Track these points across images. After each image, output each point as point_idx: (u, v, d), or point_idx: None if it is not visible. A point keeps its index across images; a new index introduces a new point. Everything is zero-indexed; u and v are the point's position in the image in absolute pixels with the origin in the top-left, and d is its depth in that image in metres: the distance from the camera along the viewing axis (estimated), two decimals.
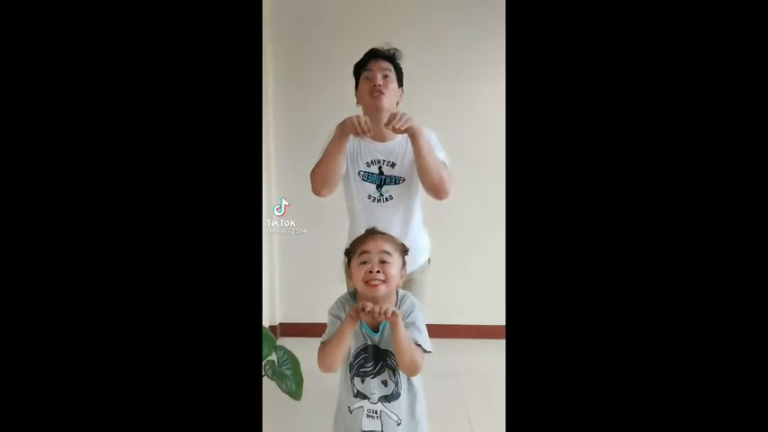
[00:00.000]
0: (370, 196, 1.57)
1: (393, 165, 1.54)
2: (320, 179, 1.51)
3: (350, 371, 1.23)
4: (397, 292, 1.25)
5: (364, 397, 1.22)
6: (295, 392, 1.90)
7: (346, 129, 1.43)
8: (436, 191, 1.49)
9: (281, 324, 3.06)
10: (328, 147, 1.48)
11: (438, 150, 1.54)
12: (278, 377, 1.89)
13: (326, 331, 1.23)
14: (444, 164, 1.53)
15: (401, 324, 1.15)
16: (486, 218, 2.80)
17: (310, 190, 1.55)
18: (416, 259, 1.65)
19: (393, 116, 1.39)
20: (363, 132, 1.40)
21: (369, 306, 1.11)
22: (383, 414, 1.21)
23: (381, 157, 1.55)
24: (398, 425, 1.21)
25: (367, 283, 1.17)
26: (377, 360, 1.21)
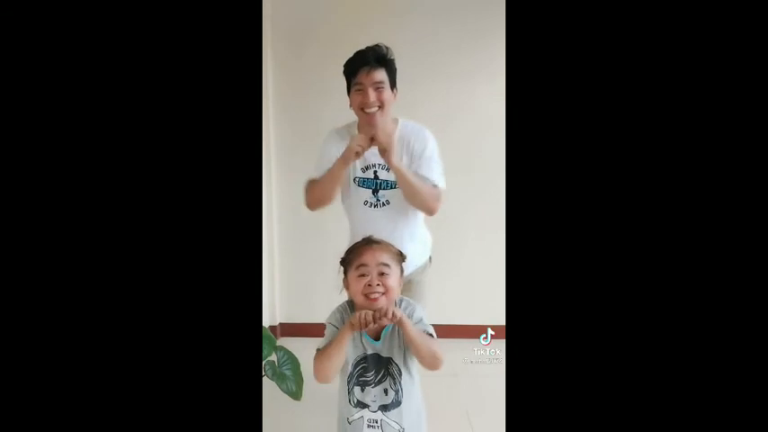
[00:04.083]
0: (366, 202, 1.56)
1: (388, 169, 1.52)
2: (317, 198, 1.55)
3: (348, 382, 1.21)
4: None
5: (364, 406, 1.21)
6: (295, 393, 1.90)
7: (350, 159, 1.45)
8: (424, 211, 1.56)
9: (281, 324, 3.06)
10: (333, 170, 1.48)
11: (431, 161, 1.53)
12: (278, 377, 1.89)
13: (323, 340, 1.22)
14: (430, 183, 1.51)
15: (408, 322, 1.14)
16: (485, 218, 2.80)
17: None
18: (417, 260, 1.65)
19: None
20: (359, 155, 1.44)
21: (371, 318, 1.10)
22: (384, 423, 1.20)
23: (376, 161, 1.53)
24: None
25: (366, 296, 1.17)
26: (378, 368, 1.20)
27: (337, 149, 1.49)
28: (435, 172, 1.53)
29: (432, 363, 1.18)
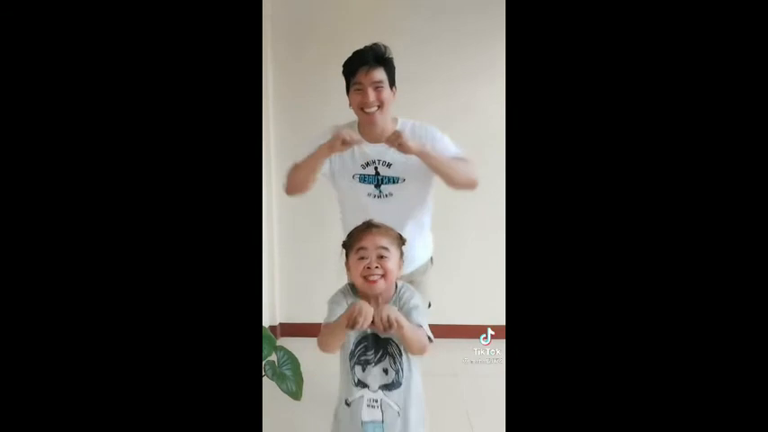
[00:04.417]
0: (369, 194, 1.56)
1: (389, 165, 1.53)
2: (295, 183, 1.54)
3: (350, 359, 1.23)
4: (396, 284, 1.26)
5: (365, 385, 1.22)
6: (295, 392, 1.90)
7: (335, 147, 1.43)
8: (468, 187, 1.54)
9: (281, 324, 3.06)
10: (315, 154, 1.47)
11: (443, 141, 1.53)
12: (278, 377, 1.89)
13: (326, 317, 1.24)
14: (461, 158, 1.52)
15: (406, 324, 1.15)
16: (485, 218, 2.80)
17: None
18: (421, 255, 1.65)
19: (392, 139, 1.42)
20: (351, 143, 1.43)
21: (360, 322, 1.10)
22: (384, 403, 1.21)
23: (376, 158, 1.53)
24: (399, 414, 1.21)
25: (365, 278, 1.18)
26: (377, 348, 1.22)
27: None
28: (452, 147, 1.54)
29: (419, 351, 1.21)
